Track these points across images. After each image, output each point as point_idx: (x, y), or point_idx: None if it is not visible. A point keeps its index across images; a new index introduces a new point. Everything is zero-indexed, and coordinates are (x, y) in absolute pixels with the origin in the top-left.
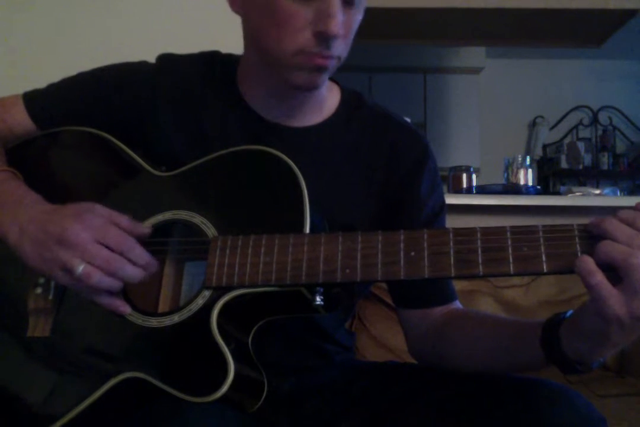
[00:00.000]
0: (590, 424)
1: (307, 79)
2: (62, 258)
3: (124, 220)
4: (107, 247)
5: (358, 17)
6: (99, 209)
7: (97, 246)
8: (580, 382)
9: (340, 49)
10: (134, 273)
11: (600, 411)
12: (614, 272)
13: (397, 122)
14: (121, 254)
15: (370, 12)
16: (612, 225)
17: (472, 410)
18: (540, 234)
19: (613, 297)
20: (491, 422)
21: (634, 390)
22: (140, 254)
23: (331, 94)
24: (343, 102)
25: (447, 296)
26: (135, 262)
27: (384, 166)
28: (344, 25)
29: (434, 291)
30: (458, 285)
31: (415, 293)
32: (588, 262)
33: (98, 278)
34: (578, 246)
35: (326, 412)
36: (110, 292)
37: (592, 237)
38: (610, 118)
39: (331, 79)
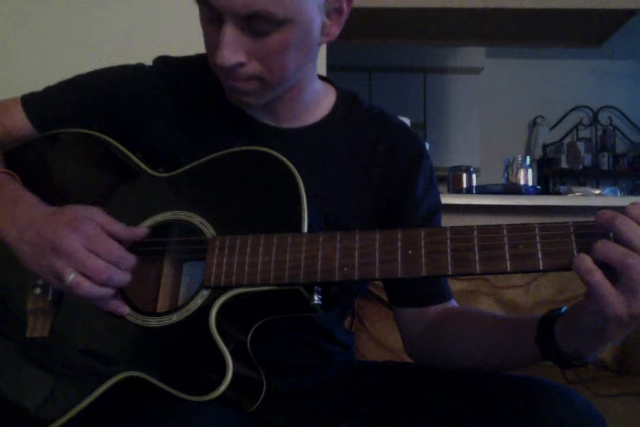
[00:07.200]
0: (588, 423)
1: (235, 98)
2: (55, 266)
3: (119, 227)
4: (98, 255)
5: (276, 40)
6: (96, 214)
7: (88, 254)
8: (580, 382)
9: (254, 70)
10: (125, 281)
11: (600, 411)
12: (613, 270)
13: (393, 122)
14: (112, 263)
15: (370, 12)
16: (626, 224)
17: (471, 409)
18: (537, 231)
19: (612, 296)
20: (490, 422)
21: (634, 390)
22: (131, 262)
23: (326, 94)
24: (338, 103)
25: (443, 295)
26: (126, 271)
27: (379, 166)
28: (249, 51)
29: (429, 290)
30: (458, 285)
31: (411, 292)
32: (586, 261)
33: (87, 288)
34: (574, 244)
35: (325, 412)
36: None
37: (589, 235)
38: (610, 118)
39: (327, 79)
